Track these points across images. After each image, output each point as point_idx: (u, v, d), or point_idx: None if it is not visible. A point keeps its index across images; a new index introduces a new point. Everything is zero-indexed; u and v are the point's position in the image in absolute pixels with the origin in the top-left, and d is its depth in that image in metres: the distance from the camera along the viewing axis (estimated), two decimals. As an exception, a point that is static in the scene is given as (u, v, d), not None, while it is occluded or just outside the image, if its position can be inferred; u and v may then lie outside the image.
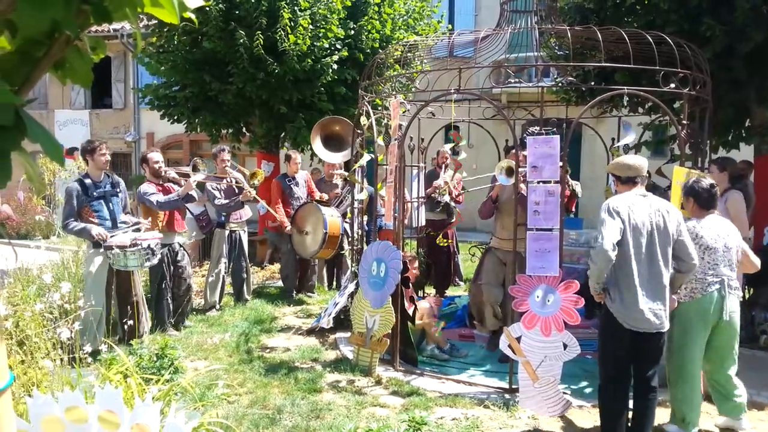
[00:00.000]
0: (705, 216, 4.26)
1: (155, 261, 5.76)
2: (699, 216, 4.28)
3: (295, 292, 8.23)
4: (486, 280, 5.81)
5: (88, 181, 5.71)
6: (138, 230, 5.88)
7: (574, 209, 8.96)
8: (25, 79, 1.07)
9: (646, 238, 3.78)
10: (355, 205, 6.94)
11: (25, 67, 1.06)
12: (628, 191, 3.96)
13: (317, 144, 7.56)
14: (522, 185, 5.16)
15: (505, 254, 5.72)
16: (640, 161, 4.04)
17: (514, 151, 7.06)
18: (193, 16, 1.17)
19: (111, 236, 5.57)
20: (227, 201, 7.29)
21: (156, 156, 6.57)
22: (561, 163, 4.82)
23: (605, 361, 4.03)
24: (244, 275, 7.75)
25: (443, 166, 7.85)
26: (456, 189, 7.74)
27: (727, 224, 4.33)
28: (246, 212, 7.65)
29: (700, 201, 4.26)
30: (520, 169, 5.11)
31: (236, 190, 7.39)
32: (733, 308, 4.19)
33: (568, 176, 8.65)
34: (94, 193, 5.68)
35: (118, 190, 5.89)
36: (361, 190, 6.89)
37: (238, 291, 7.77)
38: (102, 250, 5.57)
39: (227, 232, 7.48)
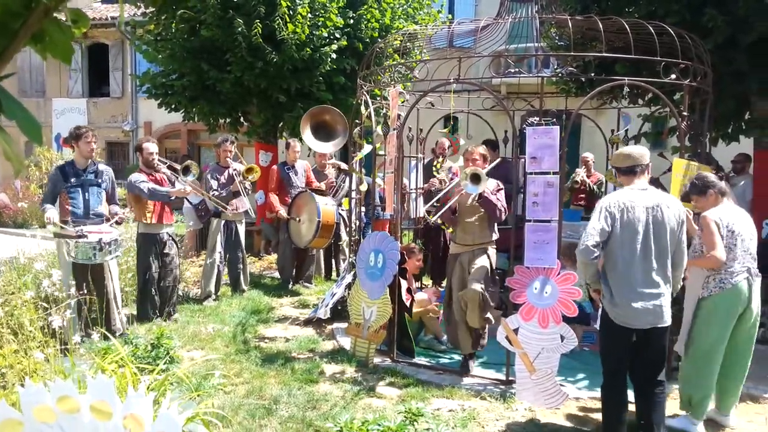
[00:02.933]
0: (721, 203, 4.21)
1: (108, 257, 5.59)
2: (715, 204, 4.21)
3: (291, 282, 8.20)
4: (456, 298, 5.27)
5: (69, 167, 5.65)
6: (117, 223, 5.84)
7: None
8: (2, 53, 1.02)
9: (642, 235, 3.70)
10: (353, 195, 6.90)
11: (2, 40, 1.01)
12: (629, 184, 3.88)
13: (307, 134, 7.52)
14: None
15: (467, 256, 5.27)
16: (640, 150, 3.97)
17: (494, 149, 7.04)
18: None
19: (77, 227, 5.46)
20: (219, 193, 7.24)
21: (151, 147, 6.48)
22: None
23: (604, 357, 3.99)
24: (240, 266, 7.70)
25: (441, 157, 7.79)
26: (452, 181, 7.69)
27: (742, 211, 4.28)
28: (242, 204, 7.55)
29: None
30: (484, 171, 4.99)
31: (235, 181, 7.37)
32: (757, 295, 4.17)
33: (593, 170, 8.74)
34: (72, 180, 5.61)
35: (100, 180, 5.77)
36: (362, 182, 6.85)
37: (234, 281, 7.74)
38: (58, 240, 5.52)
39: (222, 222, 7.44)
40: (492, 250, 5.28)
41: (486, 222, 5.21)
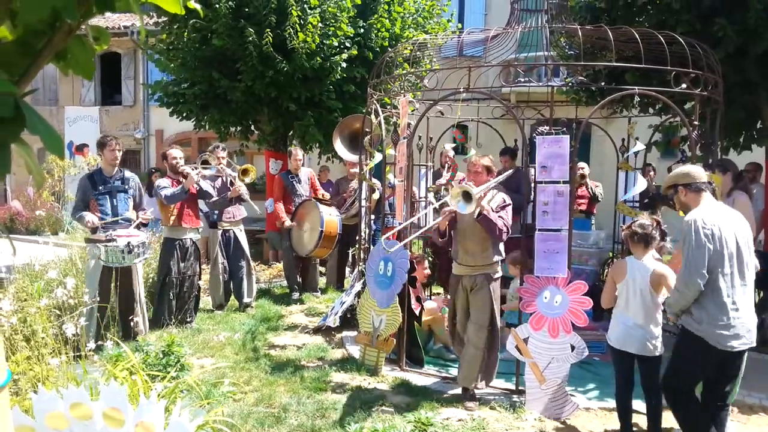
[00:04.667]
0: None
1: (138, 260, 5.77)
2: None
3: (297, 291, 8.15)
4: (460, 319, 4.99)
5: (97, 175, 5.87)
6: (141, 226, 5.96)
7: (594, 212, 8.87)
8: (26, 70, 1.05)
9: (735, 252, 3.57)
10: (363, 203, 6.91)
11: (26, 58, 1.04)
12: (698, 202, 3.73)
13: (338, 143, 7.52)
14: (483, 204, 4.56)
15: (469, 281, 4.87)
16: (698, 168, 3.87)
17: (507, 155, 6.97)
18: (197, 6, 1.15)
19: (107, 232, 5.63)
20: (215, 198, 7.07)
21: (175, 152, 6.75)
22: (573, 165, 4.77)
23: (681, 380, 3.76)
24: (242, 275, 7.40)
25: (446, 166, 7.81)
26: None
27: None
28: (239, 211, 7.42)
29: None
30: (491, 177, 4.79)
31: (230, 188, 7.23)
32: None
33: (588, 179, 8.65)
34: (100, 188, 5.80)
35: (127, 186, 5.95)
36: (374, 191, 6.86)
37: (237, 293, 7.45)
38: (91, 246, 5.69)
39: (220, 232, 7.33)
40: (496, 282, 4.85)
41: (488, 242, 4.76)
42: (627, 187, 6.40)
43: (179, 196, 6.47)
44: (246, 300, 7.43)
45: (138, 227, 5.93)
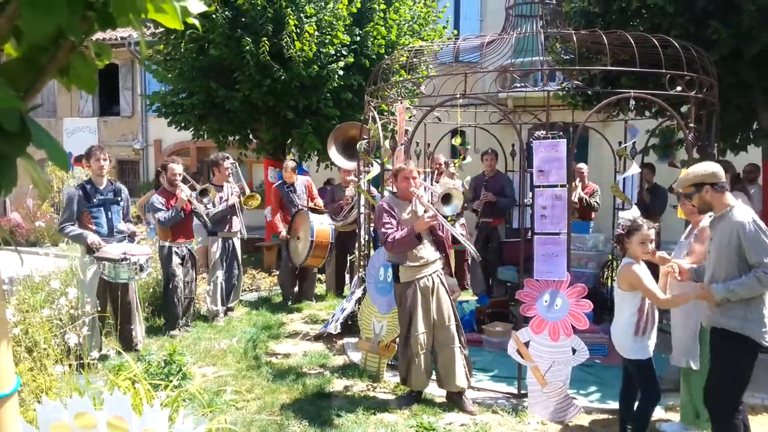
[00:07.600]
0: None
1: (144, 275, 5.83)
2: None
3: (291, 299, 8.16)
4: (417, 329, 4.78)
5: (89, 186, 5.75)
6: (132, 241, 5.94)
7: (592, 216, 8.83)
8: (30, 86, 1.08)
9: None
10: (362, 211, 6.93)
11: (30, 74, 1.06)
12: (722, 201, 3.65)
13: (333, 151, 7.54)
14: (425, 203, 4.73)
15: (424, 282, 4.82)
16: (719, 167, 3.76)
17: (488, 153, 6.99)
18: (196, 22, 1.18)
19: (105, 246, 5.60)
20: (217, 210, 7.16)
21: (177, 168, 6.69)
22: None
23: (736, 392, 3.60)
24: (234, 282, 7.57)
25: (435, 172, 7.81)
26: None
27: None
28: (236, 222, 7.45)
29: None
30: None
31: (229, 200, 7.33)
32: None
33: (587, 179, 8.62)
34: (94, 200, 5.70)
35: (119, 198, 5.91)
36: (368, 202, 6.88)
37: (227, 296, 7.55)
38: (94, 260, 5.62)
39: (219, 240, 7.36)
40: (444, 277, 4.96)
41: (431, 236, 4.90)
42: (624, 169, 6.42)
43: (176, 218, 6.53)
44: (230, 304, 7.59)
45: (131, 239, 5.95)
